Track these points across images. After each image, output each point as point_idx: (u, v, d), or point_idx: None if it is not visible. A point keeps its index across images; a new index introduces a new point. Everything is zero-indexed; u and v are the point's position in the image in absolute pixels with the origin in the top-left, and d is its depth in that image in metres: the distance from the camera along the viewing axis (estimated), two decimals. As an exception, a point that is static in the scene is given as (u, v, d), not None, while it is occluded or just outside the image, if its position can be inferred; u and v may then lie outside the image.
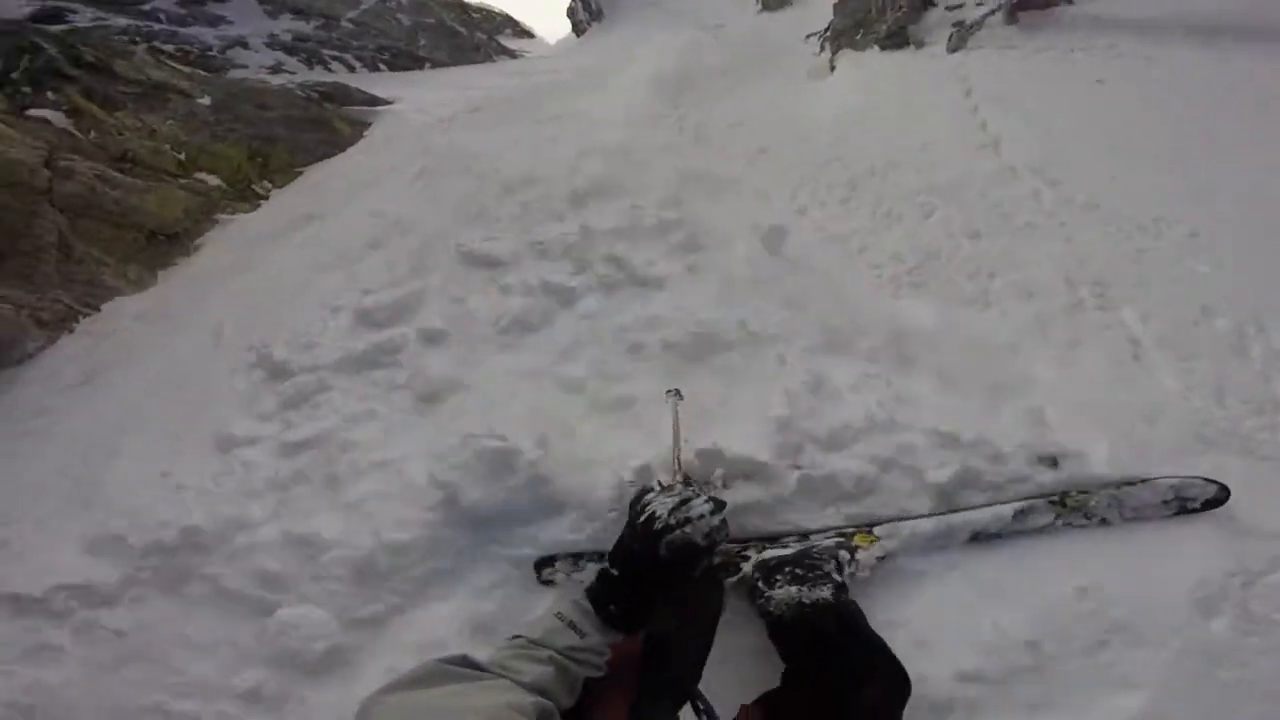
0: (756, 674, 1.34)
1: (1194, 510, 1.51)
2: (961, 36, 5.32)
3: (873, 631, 1.30)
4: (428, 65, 15.69)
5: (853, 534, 1.50)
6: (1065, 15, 5.03)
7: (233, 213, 6.05)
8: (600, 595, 1.05)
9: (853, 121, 4.49)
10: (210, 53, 14.45)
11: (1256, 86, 3.43)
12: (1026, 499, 1.55)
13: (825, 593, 1.32)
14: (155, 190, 5.56)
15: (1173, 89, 3.70)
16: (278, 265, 4.36)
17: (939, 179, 3.30)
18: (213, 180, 6.37)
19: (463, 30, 17.66)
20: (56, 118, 5.79)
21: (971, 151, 3.48)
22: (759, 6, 12.06)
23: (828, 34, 7.37)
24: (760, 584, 1.39)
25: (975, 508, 1.55)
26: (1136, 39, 4.33)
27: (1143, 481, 1.53)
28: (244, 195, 6.46)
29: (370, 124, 9.11)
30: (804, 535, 1.52)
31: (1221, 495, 1.50)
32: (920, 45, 5.73)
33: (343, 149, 7.78)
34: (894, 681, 1.19)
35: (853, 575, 1.44)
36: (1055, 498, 1.54)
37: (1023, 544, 1.53)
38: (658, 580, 1.05)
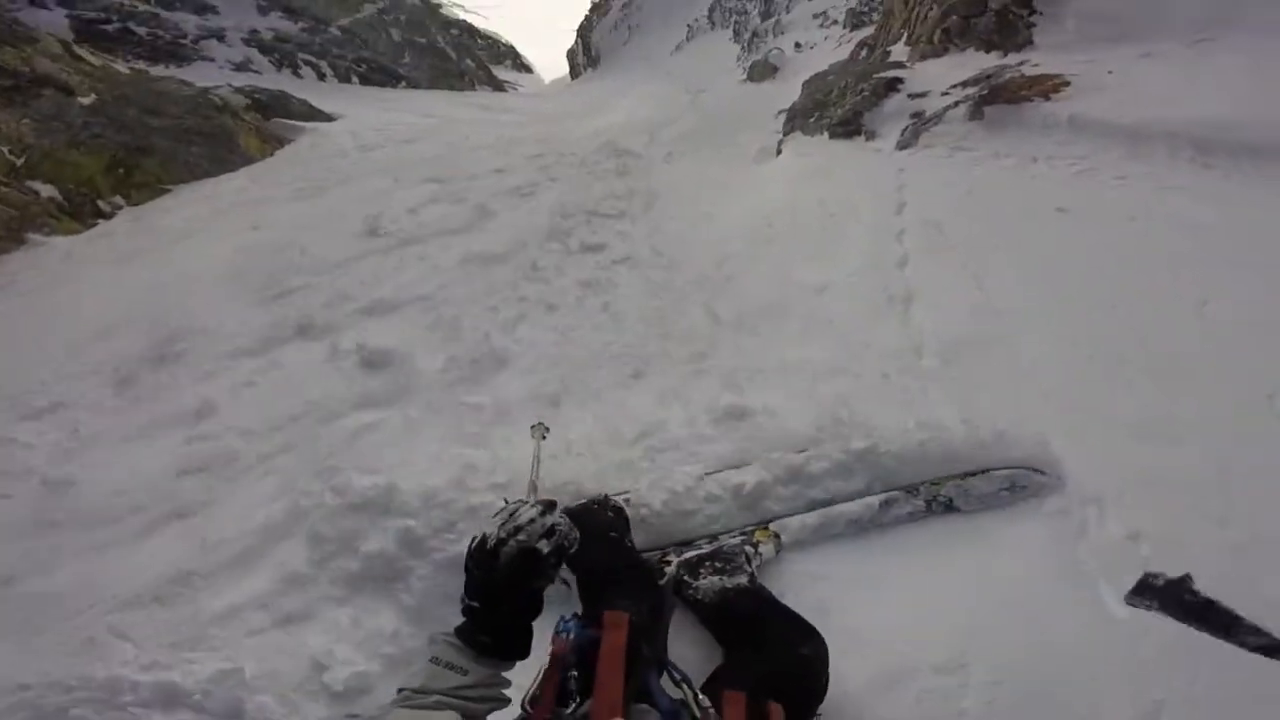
0: (695, 655, 1.48)
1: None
2: (915, 131, 4.51)
3: (786, 606, 1.49)
4: (403, 84, 15.14)
5: (753, 531, 1.74)
6: (1037, 114, 4.06)
7: (51, 233, 5.10)
8: (467, 629, 1.00)
9: (761, 233, 3.63)
10: (182, 40, 13.84)
11: (1269, 233, 2.37)
12: (888, 490, 1.79)
13: (742, 580, 1.55)
14: (-56, 201, 4.65)
15: (1150, 231, 2.67)
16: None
17: (817, 354, 2.40)
18: (47, 191, 5.44)
19: (452, 54, 17.20)
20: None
21: (876, 308, 2.56)
22: (744, 76, 11.75)
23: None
24: (686, 578, 1.57)
25: (848, 499, 1.79)
26: (1116, 151, 3.45)
27: (982, 472, 1.75)
28: (80, 212, 5.53)
29: (291, 141, 8.31)
30: (713, 537, 1.76)
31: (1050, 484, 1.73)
32: (871, 136, 4.93)
33: (236, 167, 6.91)
34: (818, 641, 1.34)
35: (759, 566, 1.65)
36: (911, 488, 1.77)
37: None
38: (509, 596, 1.01)
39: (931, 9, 6.01)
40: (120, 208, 5.80)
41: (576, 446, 2.08)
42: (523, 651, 1.02)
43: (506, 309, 3.12)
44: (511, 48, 22.06)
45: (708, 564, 1.59)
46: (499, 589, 1.00)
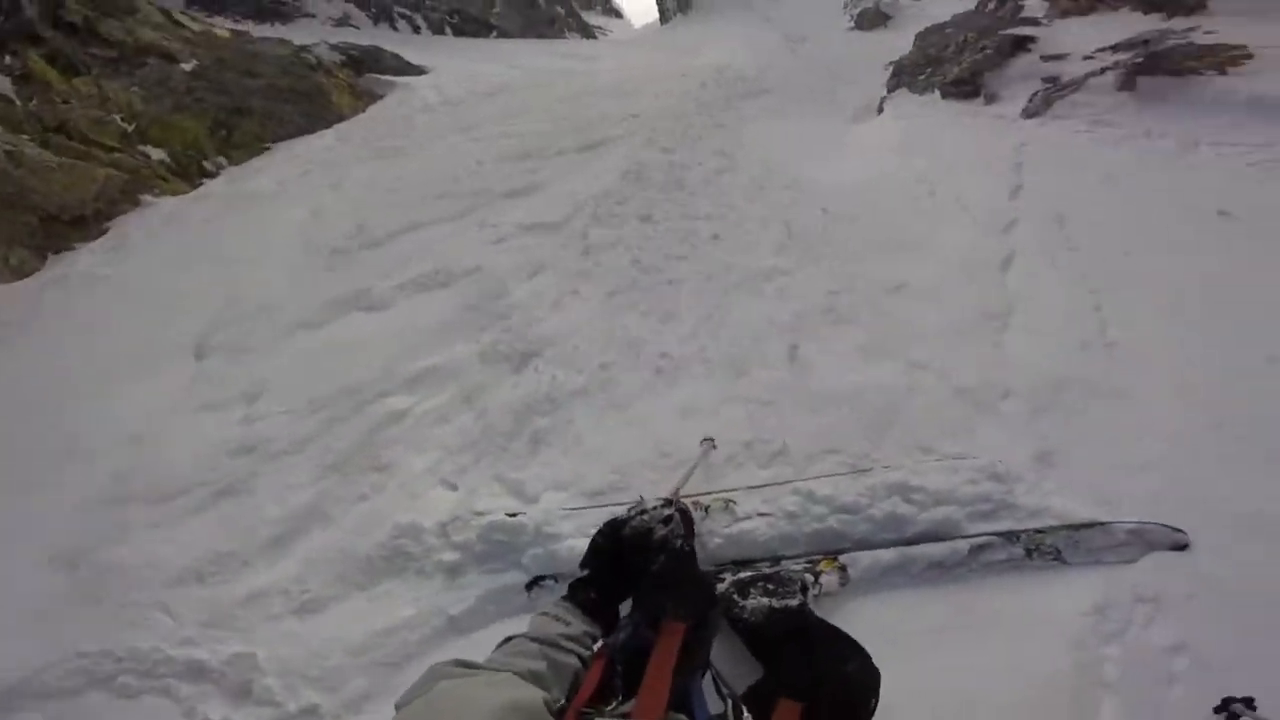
0: (733, 673, 1.32)
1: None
2: (1046, 99, 3.84)
3: (834, 625, 1.36)
4: (495, 34, 15.02)
5: (819, 560, 1.60)
6: (1207, 89, 3.29)
7: (161, 193, 5.47)
8: (577, 589, 1.18)
9: (842, 210, 3.18)
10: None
11: None
12: (983, 535, 1.56)
13: (793, 602, 1.42)
14: (70, 168, 5.05)
15: None
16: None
17: (873, 379, 2.00)
18: (157, 154, 5.82)
19: (541, 2, 16.83)
20: (2, 84, 5.43)
21: (962, 324, 2.12)
22: (850, 24, 10.70)
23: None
24: (735, 596, 1.47)
25: (933, 540, 1.58)
26: (1313, 142, 2.76)
27: (1100, 524, 1.52)
28: (188, 172, 5.89)
29: (382, 96, 8.46)
30: (775, 560, 1.66)
31: (1183, 540, 1.46)
32: (992, 99, 4.26)
33: (330, 124, 7.11)
34: (867, 660, 1.24)
35: (817, 596, 1.52)
36: (1010, 535, 1.55)
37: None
38: (624, 561, 1.22)
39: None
40: (223, 167, 6.12)
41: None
42: (613, 622, 1.17)
43: (550, 292, 2.97)
44: (601, -9, 21.35)
45: (760, 584, 1.48)
46: (616, 556, 1.23)
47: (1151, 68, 3.52)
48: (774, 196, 3.52)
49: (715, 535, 1.66)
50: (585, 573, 1.22)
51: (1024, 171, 3.14)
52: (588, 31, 17.47)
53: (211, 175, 5.99)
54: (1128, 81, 3.58)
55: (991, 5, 7.23)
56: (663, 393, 2.20)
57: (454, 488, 2.10)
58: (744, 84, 6.97)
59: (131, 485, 2.37)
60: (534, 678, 0.92)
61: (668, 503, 1.35)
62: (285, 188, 5.20)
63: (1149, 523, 1.48)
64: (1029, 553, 1.50)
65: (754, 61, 8.36)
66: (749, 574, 1.53)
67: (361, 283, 3.23)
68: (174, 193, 5.57)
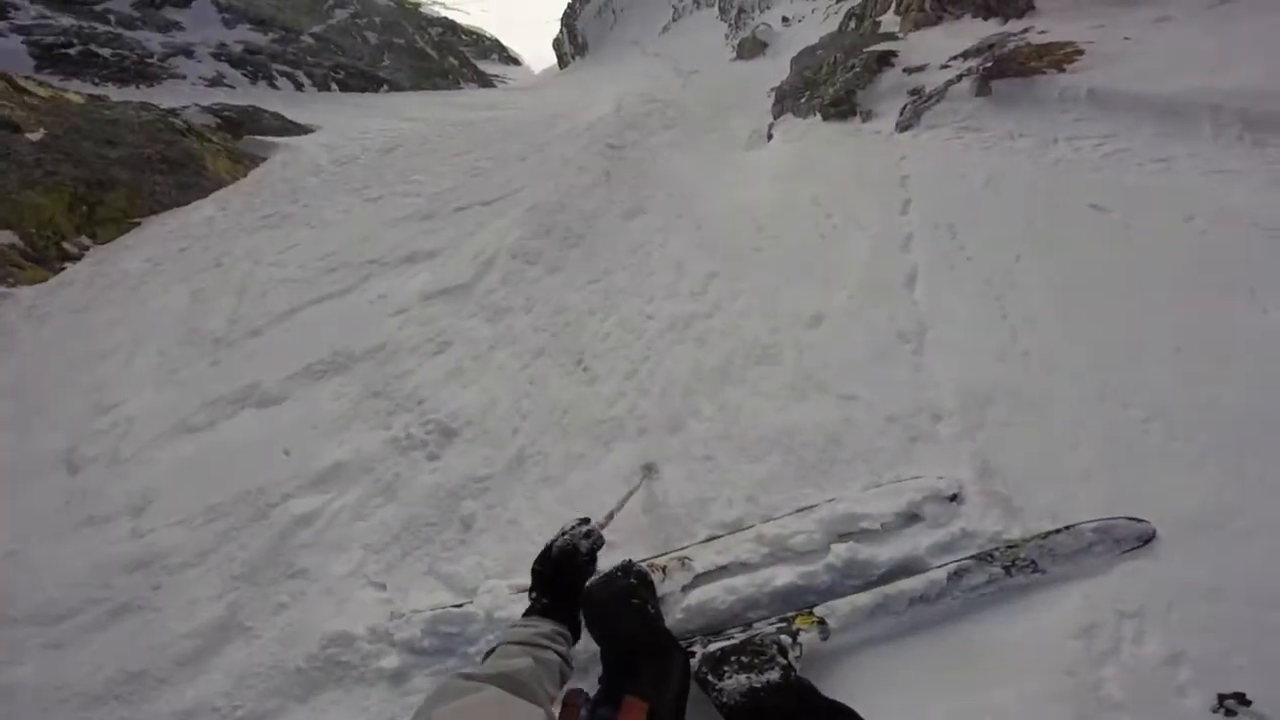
0: None
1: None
2: (915, 111, 4.11)
3: (832, 700, 1.28)
4: (385, 88, 14.71)
5: (793, 617, 1.50)
6: (1052, 87, 3.59)
7: (15, 283, 4.87)
8: (533, 605, 1.35)
9: (748, 243, 3.24)
10: (150, 60, 13.52)
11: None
12: (959, 559, 1.53)
13: (774, 675, 1.32)
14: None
15: (1214, 235, 2.17)
16: None
17: (808, 418, 1.98)
18: (5, 238, 5.20)
19: (433, 53, 16.72)
20: None
21: (881, 348, 2.15)
22: (733, 54, 11.34)
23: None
24: (709, 677, 1.37)
25: (910, 575, 1.52)
26: (1148, 128, 3.03)
27: (1067, 528, 1.51)
28: (46, 256, 5.28)
29: (265, 159, 8.01)
30: (746, 625, 1.55)
31: (1148, 529, 1.48)
32: (867, 116, 4.53)
33: (206, 193, 6.64)
34: None
35: (799, 658, 1.41)
36: (984, 555, 1.52)
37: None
38: (563, 577, 1.39)
39: (923, -27, 5.54)
40: (87, 248, 5.55)
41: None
42: (574, 626, 1.32)
43: (462, 365, 2.83)
44: (496, 41, 21.53)
45: (733, 659, 1.36)
46: (556, 574, 1.38)
47: (1000, 70, 3.84)
48: (685, 237, 3.54)
49: (677, 609, 1.56)
50: (534, 594, 1.37)
51: (909, 185, 3.31)
52: (485, 80, 17.45)
53: (74, 258, 5.40)
54: (983, 86, 3.89)
55: (852, 24, 7.81)
56: (597, 459, 2.09)
57: (382, 587, 1.92)
58: (646, 119, 7.13)
59: (16, 607, 2.08)
60: (532, 675, 1.02)
61: (582, 520, 1.48)
62: (160, 268, 4.75)
63: (1112, 518, 1.49)
64: (1007, 570, 1.47)
65: (653, 98, 8.59)
66: (720, 645, 1.42)
67: (249, 377, 2.96)
68: (31, 280, 4.98)
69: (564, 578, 1.37)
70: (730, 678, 1.32)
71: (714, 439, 2.03)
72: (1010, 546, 1.51)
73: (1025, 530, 1.53)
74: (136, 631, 1.90)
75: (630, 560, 1.51)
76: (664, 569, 1.61)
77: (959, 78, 4.08)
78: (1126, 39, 3.64)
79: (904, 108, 4.24)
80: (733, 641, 1.42)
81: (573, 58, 16.96)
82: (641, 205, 4.27)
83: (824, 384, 2.11)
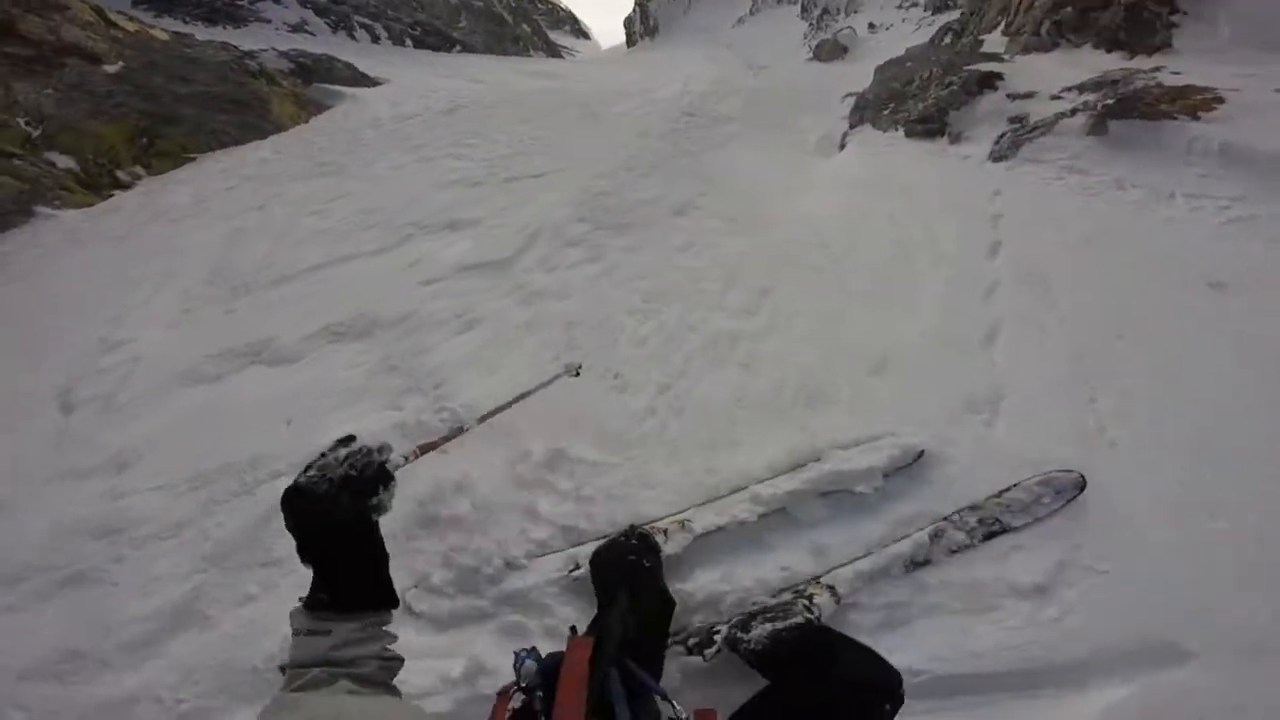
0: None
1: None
2: (1014, 141, 3.72)
3: (848, 636, 1.39)
4: (458, 48, 14.67)
5: (804, 587, 1.59)
6: (1180, 136, 3.15)
7: (61, 205, 4.90)
8: (310, 592, 0.87)
9: (810, 258, 2.95)
10: (239, 2, 13.82)
11: None
12: (935, 522, 1.68)
13: (798, 619, 1.43)
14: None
15: None
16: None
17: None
18: (64, 162, 5.25)
19: (509, 18, 16.60)
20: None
21: (949, 412, 1.87)
22: (809, 55, 10.87)
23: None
24: (739, 634, 1.45)
25: (899, 539, 1.66)
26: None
27: (1015, 485, 1.68)
28: (98, 183, 5.32)
29: (330, 107, 8.00)
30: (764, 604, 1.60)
31: (1076, 478, 1.65)
32: (958, 139, 4.15)
33: (266, 135, 6.62)
34: (884, 667, 1.22)
35: (817, 618, 1.49)
36: (954, 517, 1.67)
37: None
38: (312, 536, 0.87)
39: (1042, -6, 5.06)
40: (139, 178, 5.59)
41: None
42: (380, 598, 0.91)
43: (486, 351, 2.63)
44: (570, 13, 21.37)
45: (759, 616, 1.48)
46: (299, 536, 0.89)
47: (1124, 110, 3.42)
48: (740, 242, 3.25)
49: (690, 611, 1.58)
50: (304, 562, 0.88)
51: (1001, 225, 2.96)
52: (554, 51, 17.33)
53: (125, 186, 5.44)
54: (1099, 125, 3.48)
55: (948, 39, 7.31)
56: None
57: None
58: (709, 109, 6.82)
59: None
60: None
61: (343, 440, 0.97)
62: (204, 204, 4.72)
63: (1049, 471, 1.68)
64: (978, 526, 1.64)
65: (720, 88, 8.26)
66: (745, 612, 1.52)
67: (267, 330, 2.81)
68: (78, 205, 5.01)
69: (326, 544, 0.88)
70: (756, 629, 1.42)
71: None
72: (973, 508, 1.67)
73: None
74: (87, 605, 1.76)
75: (633, 525, 1.69)
76: (665, 531, 1.69)
77: (1072, 111, 3.67)
78: (1278, 91, 3.18)
79: (1001, 135, 3.86)
80: (760, 606, 1.54)
81: (642, 38, 16.68)
82: (695, 200, 4.00)
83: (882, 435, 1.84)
